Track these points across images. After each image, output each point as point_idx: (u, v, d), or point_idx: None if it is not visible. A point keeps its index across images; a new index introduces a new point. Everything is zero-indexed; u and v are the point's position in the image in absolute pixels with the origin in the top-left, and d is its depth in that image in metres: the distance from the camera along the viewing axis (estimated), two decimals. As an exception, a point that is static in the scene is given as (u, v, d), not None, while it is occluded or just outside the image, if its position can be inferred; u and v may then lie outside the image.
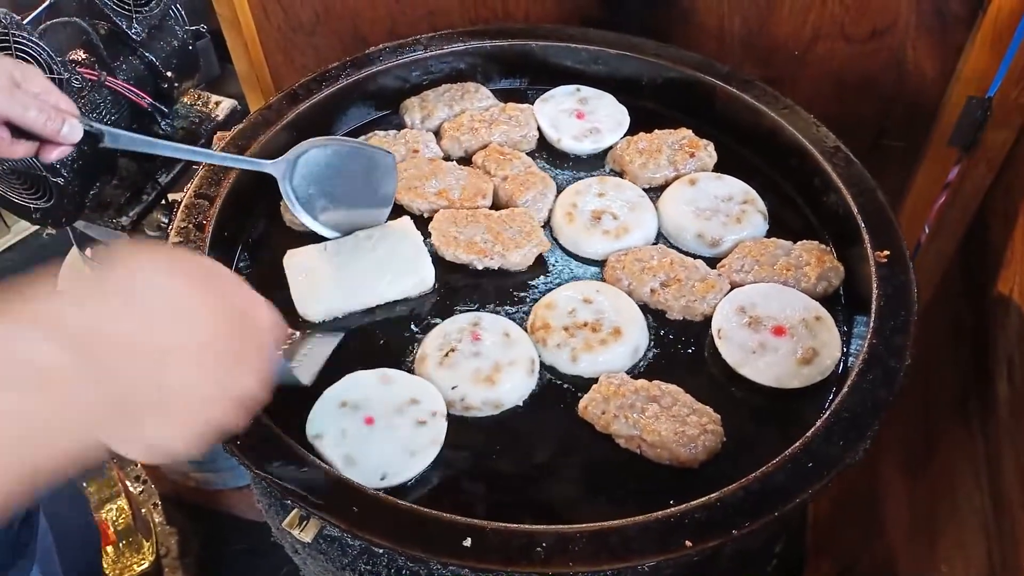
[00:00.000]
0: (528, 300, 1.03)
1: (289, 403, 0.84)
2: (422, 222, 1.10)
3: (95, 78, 1.20)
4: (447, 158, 1.20)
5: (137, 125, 1.31)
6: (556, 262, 1.08)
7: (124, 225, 1.33)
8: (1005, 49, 1.16)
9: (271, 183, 1.03)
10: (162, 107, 1.32)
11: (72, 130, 0.89)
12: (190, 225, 1.04)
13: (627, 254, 1.05)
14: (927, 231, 1.38)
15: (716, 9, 1.31)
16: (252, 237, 1.12)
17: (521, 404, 0.94)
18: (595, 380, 0.93)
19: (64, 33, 1.22)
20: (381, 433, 0.88)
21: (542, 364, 0.97)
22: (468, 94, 1.26)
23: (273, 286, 1.01)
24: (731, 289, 1.02)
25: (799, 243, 1.06)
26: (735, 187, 1.13)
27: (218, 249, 1.04)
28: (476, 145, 1.20)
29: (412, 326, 1.01)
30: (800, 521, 1.54)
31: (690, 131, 1.19)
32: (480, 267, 1.05)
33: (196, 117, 1.43)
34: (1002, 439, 0.98)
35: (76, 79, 1.16)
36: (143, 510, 1.73)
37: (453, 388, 0.92)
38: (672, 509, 0.79)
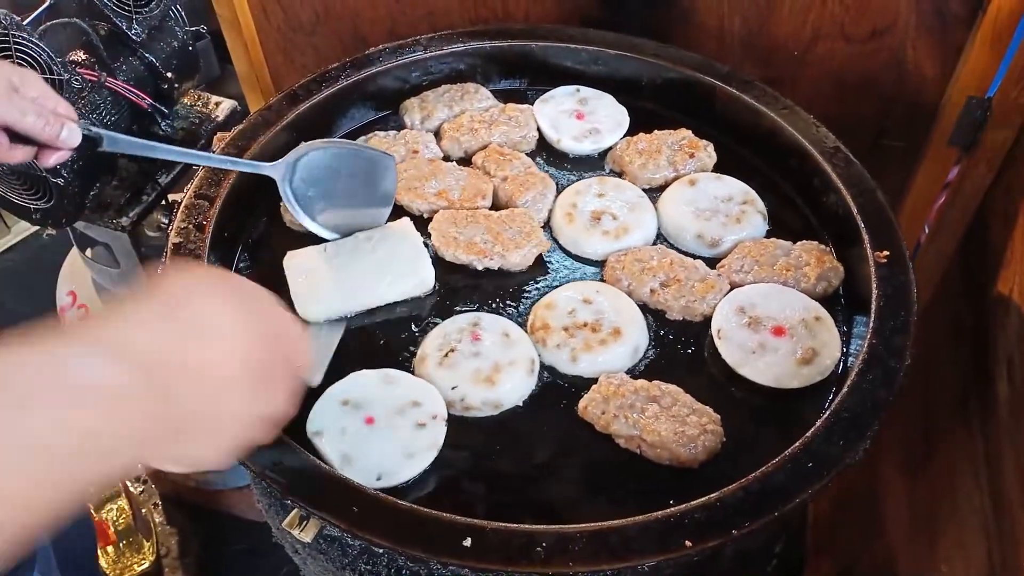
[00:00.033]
0: (528, 300, 1.04)
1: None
2: (422, 223, 1.10)
3: (95, 79, 1.20)
4: (447, 159, 1.20)
5: (137, 126, 1.32)
6: (556, 262, 1.08)
7: (124, 225, 1.33)
8: (1005, 49, 1.16)
9: (271, 184, 1.03)
10: (162, 108, 1.33)
11: (71, 134, 0.89)
12: (190, 225, 1.04)
13: (627, 254, 1.05)
14: (927, 231, 1.38)
15: (716, 9, 1.31)
16: (252, 237, 1.12)
17: (521, 404, 0.94)
18: (595, 380, 0.93)
19: (64, 34, 1.22)
20: (380, 433, 0.88)
21: (542, 364, 0.97)
22: (468, 95, 1.26)
23: (273, 287, 1.00)
24: (731, 289, 1.02)
25: (799, 243, 1.06)
26: (735, 187, 1.13)
27: (218, 250, 1.04)
28: (476, 146, 1.20)
29: (412, 326, 1.01)
30: (800, 521, 1.54)
31: (690, 131, 1.19)
32: (480, 267, 1.05)
33: (196, 118, 1.43)
34: (1002, 439, 0.98)
35: (76, 80, 1.16)
36: (143, 510, 1.73)
37: (453, 388, 0.92)
38: (672, 509, 0.79)
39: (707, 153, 1.17)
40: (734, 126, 1.21)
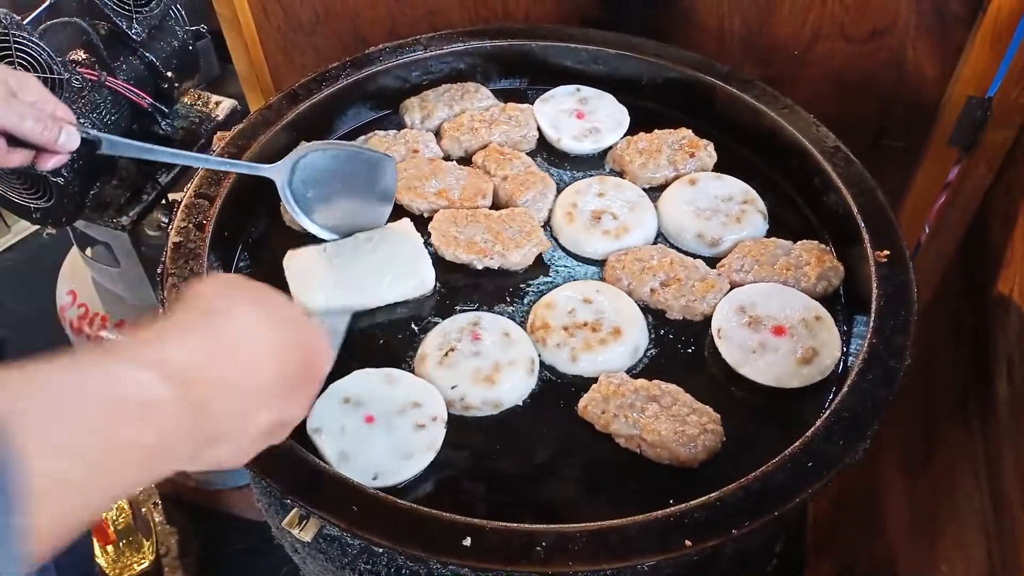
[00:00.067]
0: (528, 300, 1.04)
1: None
2: (422, 222, 1.10)
3: (95, 78, 1.20)
4: (447, 158, 1.20)
5: (137, 125, 1.31)
6: (556, 262, 1.08)
7: (124, 225, 1.33)
8: (1005, 49, 1.16)
9: (271, 183, 1.03)
10: (162, 107, 1.33)
11: (69, 138, 0.89)
12: (190, 225, 1.04)
13: (627, 254, 1.05)
14: (927, 231, 1.38)
15: (716, 9, 1.31)
16: (252, 237, 1.12)
17: (521, 404, 0.94)
18: (595, 380, 0.93)
19: (64, 33, 1.22)
20: (379, 433, 0.88)
21: (542, 364, 0.97)
22: (468, 94, 1.26)
23: (273, 286, 1.01)
24: (731, 289, 1.02)
25: (799, 243, 1.06)
26: (735, 187, 1.13)
27: (218, 249, 1.04)
28: (476, 145, 1.20)
29: (412, 326, 1.01)
30: (800, 521, 1.54)
31: (690, 131, 1.19)
32: (480, 267, 1.05)
33: (196, 117, 1.43)
34: (1002, 439, 0.98)
35: (76, 79, 1.16)
36: (143, 510, 1.73)
37: (453, 388, 0.92)
38: (672, 509, 0.79)
39: (707, 152, 1.17)
40: (734, 126, 1.21)
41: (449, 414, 0.91)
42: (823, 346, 0.95)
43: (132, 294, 1.50)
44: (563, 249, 1.10)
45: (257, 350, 0.66)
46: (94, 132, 0.93)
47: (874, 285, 0.96)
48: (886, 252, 0.99)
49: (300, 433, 0.88)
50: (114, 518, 1.68)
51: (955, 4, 1.19)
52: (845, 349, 0.97)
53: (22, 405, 0.48)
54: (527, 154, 1.20)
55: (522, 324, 1.00)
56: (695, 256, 1.07)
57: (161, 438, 0.56)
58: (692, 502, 0.79)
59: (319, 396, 0.91)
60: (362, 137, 1.21)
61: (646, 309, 1.02)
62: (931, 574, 1.11)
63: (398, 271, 1.03)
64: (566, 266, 1.08)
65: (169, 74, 1.31)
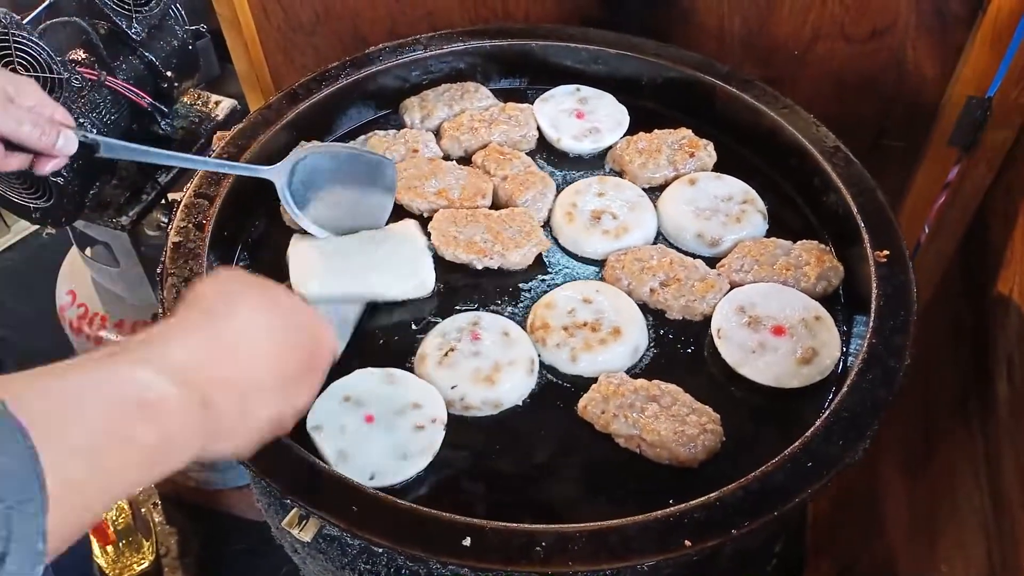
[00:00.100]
0: (528, 300, 1.03)
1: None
2: (422, 222, 1.10)
3: (95, 78, 1.20)
4: (447, 158, 1.20)
5: (137, 125, 1.31)
6: (556, 262, 1.08)
7: (124, 225, 1.33)
8: (1005, 49, 1.16)
9: (271, 183, 1.03)
10: (162, 107, 1.32)
11: (67, 142, 0.90)
12: (190, 225, 1.04)
13: (627, 254, 1.05)
14: (927, 231, 1.38)
15: (716, 9, 1.31)
16: (252, 237, 1.12)
17: (521, 404, 0.94)
18: (595, 380, 0.93)
19: (64, 33, 1.22)
20: (379, 433, 0.88)
21: (542, 364, 0.97)
22: (468, 94, 1.26)
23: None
24: (731, 289, 1.02)
25: (799, 243, 1.06)
26: (735, 187, 1.13)
27: (218, 249, 1.04)
28: (476, 145, 1.20)
29: (412, 326, 1.01)
30: (800, 521, 1.54)
31: (690, 131, 1.19)
32: (480, 267, 1.05)
33: (196, 117, 1.44)
34: (1002, 439, 0.98)
35: (76, 79, 1.16)
36: (143, 510, 1.73)
37: (452, 387, 0.92)
38: (672, 509, 0.79)
39: (707, 152, 1.17)
40: (734, 125, 1.21)
41: (449, 414, 0.91)
42: (823, 346, 0.95)
43: (132, 294, 1.50)
44: (563, 249, 1.10)
45: (257, 349, 0.67)
46: (92, 136, 0.93)
47: (874, 285, 0.96)
48: (886, 252, 0.99)
49: (299, 431, 0.88)
50: (114, 518, 1.68)
51: (955, 4, 1.19)
52: (845, 349, 0.97)
53: (39, 406, 0.49)
54: (527, 154, 1.20)
55: (522, 324, 1.00)
56: (695, 256, 1.07)
57: (163, 437, 0.56)
58: (692, 502, 0.79)
59: (319, 395, 0.91)
60: (362, 137, 1.21)
61: (646, 309, 1.01)
62: (931, 574, 1.11)
63: (399, 271, 1.03)
64: (566, 266, 1.08)
65: (169, 74, 1.31)
